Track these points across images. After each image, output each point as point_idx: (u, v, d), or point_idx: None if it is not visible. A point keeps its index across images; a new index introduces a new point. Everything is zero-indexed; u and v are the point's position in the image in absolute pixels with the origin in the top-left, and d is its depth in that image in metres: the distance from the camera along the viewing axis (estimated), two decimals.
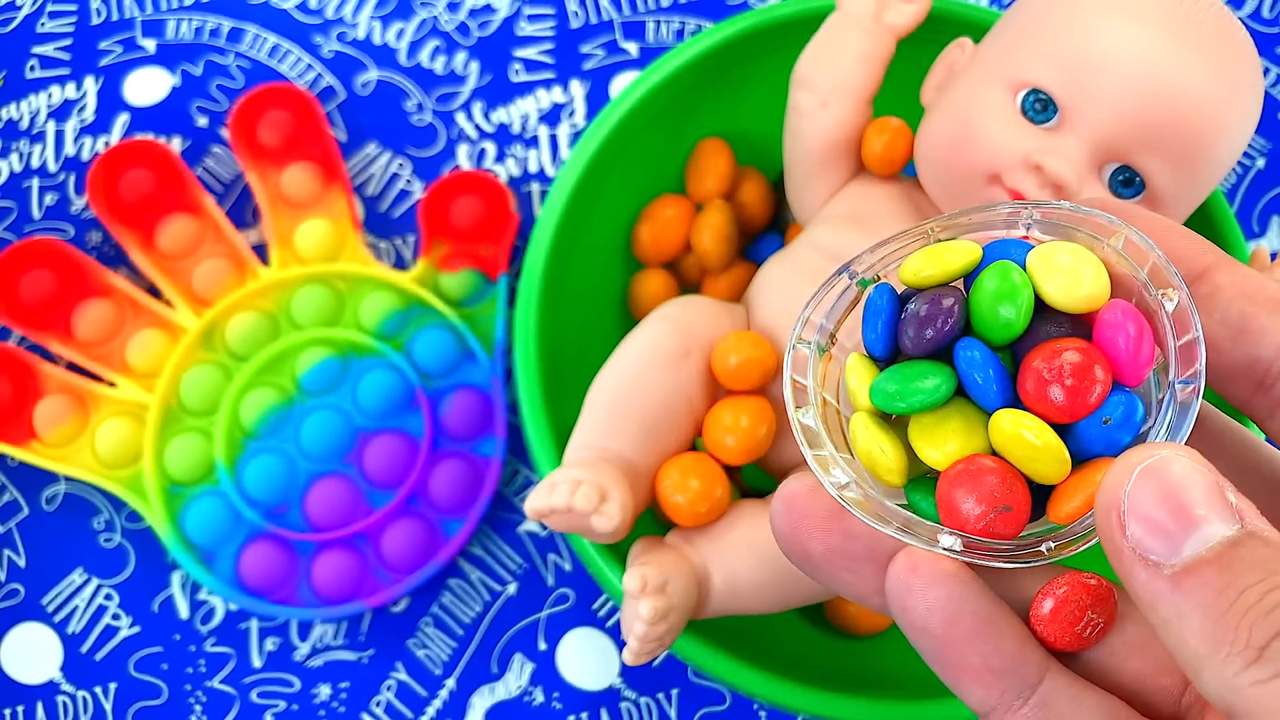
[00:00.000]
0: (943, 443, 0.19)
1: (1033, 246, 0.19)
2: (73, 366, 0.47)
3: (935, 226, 0.20)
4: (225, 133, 0.51)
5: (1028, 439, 0.18)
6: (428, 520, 0.45)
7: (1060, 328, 0.18)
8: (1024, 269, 0.18)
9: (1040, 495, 0.19)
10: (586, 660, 0.44)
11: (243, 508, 0.44)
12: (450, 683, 0.44)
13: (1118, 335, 0.18)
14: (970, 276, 0.19)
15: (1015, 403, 0.19)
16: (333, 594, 0.44)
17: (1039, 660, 0.18)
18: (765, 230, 0.46)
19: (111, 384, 0.46)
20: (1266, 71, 0.53)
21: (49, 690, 0.44)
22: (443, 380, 0.47)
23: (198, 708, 0.44)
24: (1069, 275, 0.18)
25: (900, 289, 0.20)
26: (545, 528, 0.46)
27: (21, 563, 0.45)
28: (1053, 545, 0.19)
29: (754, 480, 0.41)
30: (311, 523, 0.45)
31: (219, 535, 0.44)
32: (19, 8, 0.53)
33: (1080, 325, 0.19)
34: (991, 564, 0.19)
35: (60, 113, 0.51)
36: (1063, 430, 0.18)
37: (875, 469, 0.19)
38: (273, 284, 0.47)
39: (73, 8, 0.53)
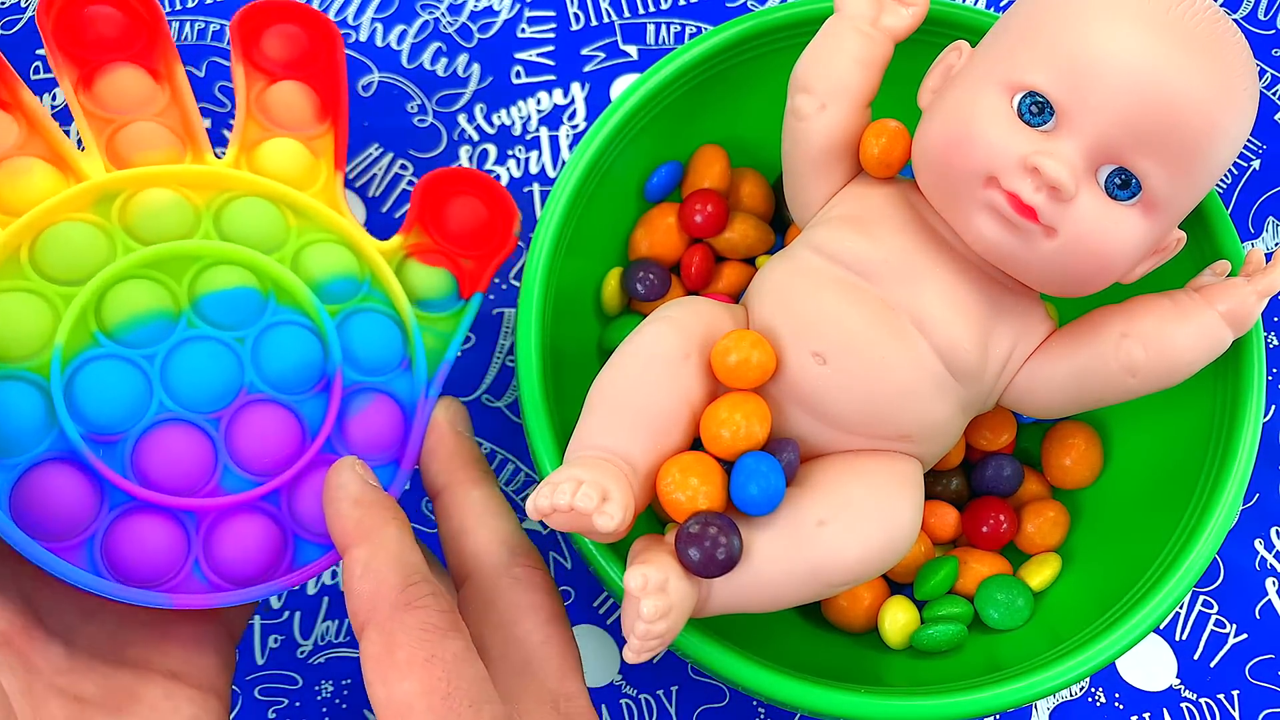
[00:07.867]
0: None
1: None
2: None
3: None
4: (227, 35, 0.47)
5: None
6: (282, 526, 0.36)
7: None
8: None
9: None
10: (587, 657, 0.45)
11: (62, 414, 0.33)
12: None
13: None
14: None
15: None
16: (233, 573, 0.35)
17: None
18: None
19: None
20: (1262, 74, 0.53)
21: None
22: (365, 376, 0.38)
23: None
24: None
25: None
26: (546, 526, 0.47)
27: None
28: None
29: None
30: (138, 472, 0.34)
31: (16, 435, 0.33)
32: (24, 9, 0.53)
33: None
34: None
35: (65, 114, 0.52)
36: None
37: None
38: (214, 176, 0.38)
39: None
